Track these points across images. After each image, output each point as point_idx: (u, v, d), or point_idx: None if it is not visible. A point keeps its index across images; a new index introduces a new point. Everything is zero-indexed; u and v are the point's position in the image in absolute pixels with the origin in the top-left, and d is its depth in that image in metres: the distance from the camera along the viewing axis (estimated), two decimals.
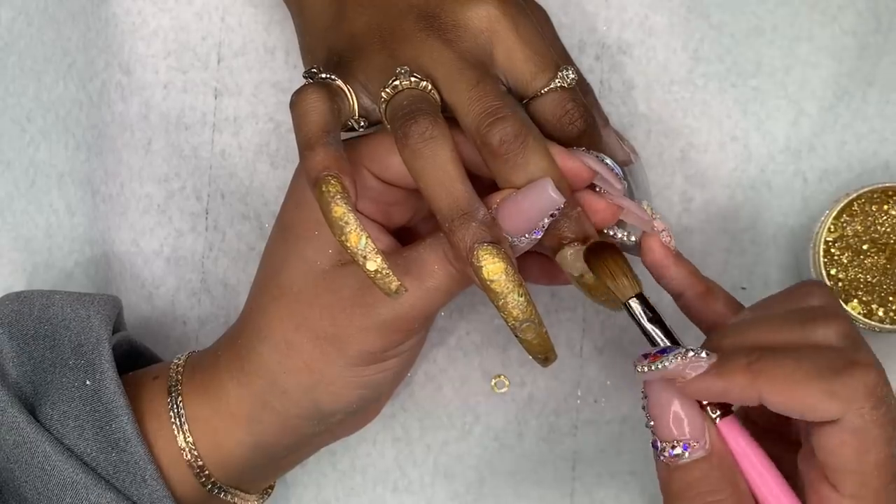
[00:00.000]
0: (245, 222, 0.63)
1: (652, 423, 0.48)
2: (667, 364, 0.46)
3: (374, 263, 0.46)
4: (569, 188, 0.49)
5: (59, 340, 0.54)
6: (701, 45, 0.61)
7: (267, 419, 0.53)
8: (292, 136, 0.62)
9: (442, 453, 0.62)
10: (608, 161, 0.51)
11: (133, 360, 0.58)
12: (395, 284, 0.46)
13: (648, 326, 0.48)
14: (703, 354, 0.46)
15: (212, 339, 0.63)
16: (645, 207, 0.52)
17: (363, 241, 0.46)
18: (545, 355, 0.49)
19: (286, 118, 0.62)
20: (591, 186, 0.51)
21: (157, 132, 0.63)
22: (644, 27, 0.61)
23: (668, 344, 0.48)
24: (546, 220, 0.48)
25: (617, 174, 0.51)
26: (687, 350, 0.46)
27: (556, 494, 0.62)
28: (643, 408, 0.48)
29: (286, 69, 0.62)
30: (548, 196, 0.48)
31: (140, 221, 0.63)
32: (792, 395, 0.45)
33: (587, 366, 0.62)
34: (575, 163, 0.50)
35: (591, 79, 0.61)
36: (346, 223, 0.46)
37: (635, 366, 0.47)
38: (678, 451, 0.47)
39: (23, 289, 0.60)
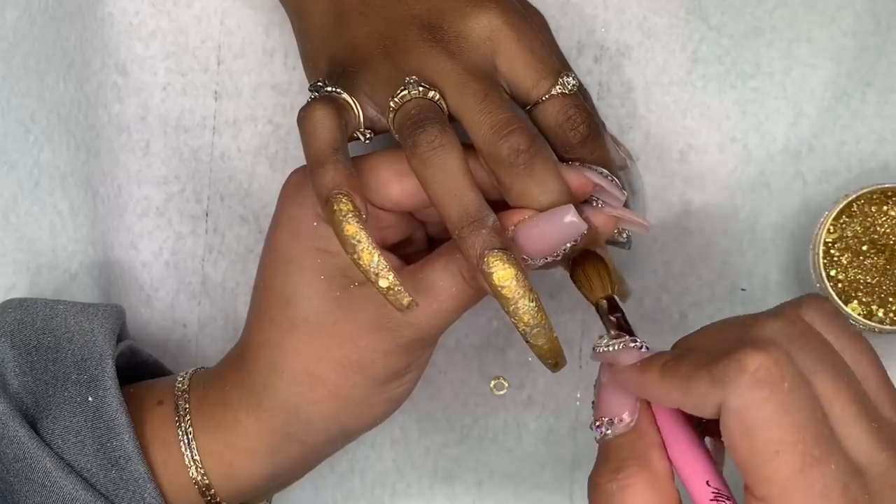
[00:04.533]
0: (244, 225, 0.63)
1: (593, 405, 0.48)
2: (613, 348, 0.47)
3: (386, 281, 0.47)
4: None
5: (61, 353, 0.53)
6: (700, 46, 0.61)
7: (288, 449, 0.53)
8: (291, 139, 0.62)
9: (441, 455, 0.62)
10: (606, 173, 0.52)
11: (136, 369, 0.58)
12: (406, 300, 0.47)
13: (610, 319, 0.49)
14: (638, 346, 0.47)
15: (212, 341, 0.63)
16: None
17: (375, 258, 0.47)
18: (555, 360, 0.49)
19: (285, 121, 0.62)
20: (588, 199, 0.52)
21: (155, 134, 0.63)
22: (643, 29, 0.61)
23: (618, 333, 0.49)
24: (567, 246, 0.49)
25: (617, 184, 0.52)
26: (626, 339, 0.47)
27: (556, 497, 0.62)
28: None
29: (285, 71, 0.62)
30: (570, 223, 0.49)
31: (138, 224, 0.63)
32: (684, 392, 0.44)
33: (586, 367, 0.62)
34: (579, 177, 0.50)
35: (590, 81, 0.61)
36: (359, 241, 0.47)
37: (594, 346, 0.49)
38: (603, 427, 0.47)
39: (27, 290, 0.60)
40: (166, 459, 0.53)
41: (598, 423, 0.47)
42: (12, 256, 0.60)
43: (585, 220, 0.50)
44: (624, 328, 0.49)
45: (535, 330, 0.48)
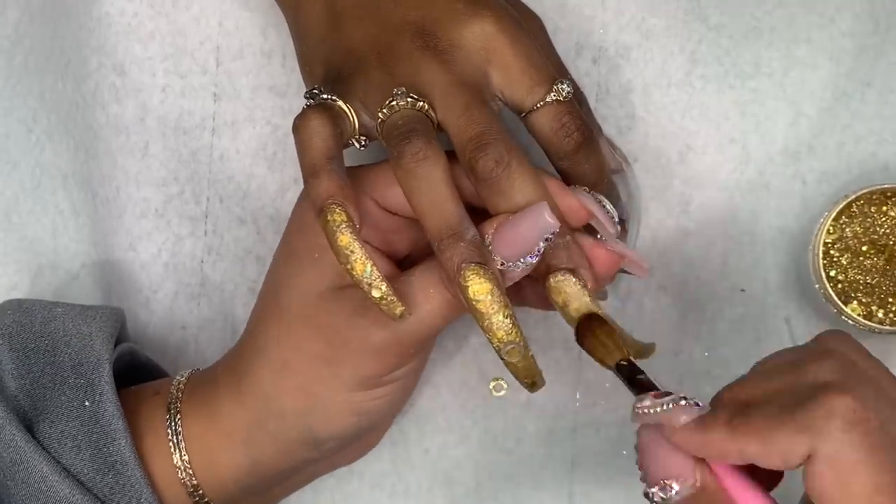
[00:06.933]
0: (243, 226, 0.63)
1: (642, 470, 0.46)
2: (663, 407, 0.45)
3: (378, 291, 0.47)
4: (561, 215, 0.50)
5: (59, 356, 0.54)
6: (699, 47, 0.61)
7: (262, 441, 0.53)
8: (289, 140, 0.62)
9: (440, 457, 0.62)
10: (607, 206, 0.51)
11: (135, 372, 0.58)
12: (399, 309, 0.48)
13: (633, 381, 0.48)
14: (693, 402, 0.45)
15: (210, 343, 0.63)
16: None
17: (368, 268, 0.47)
18: (531, 380, 0.49)
19: (283, 122, 0.62)
20: (588, 228, 0.52)
21: (154, 136, 0.63)
22: (641, 30, 0.61)
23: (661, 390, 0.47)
24: (541, 245, 0.48)
25: (612, 219, 0.51)
26: (681, 397, 0.46)
27: (555, 498, 0.61)
28: (636, 463, 0.47)
29: (284, 73, 0.62)
30: (543, 220, 0.48)
31: (137, 225, 0.63)
32: (767, 445, 0.43)
33: (586, 368, 0.61)
34: (571, 200, 0.50)
35: (589, 82, 0.61)
36: (352, 252, 0.47)
37: (634, 408, 0.46)
38: (666, 492, 0.45)
39: (28, 290, 0.60)
40: (154, 447, 0.53)
41: (657, 487, 0.45)
42: (14, 256, 0.60)
43: (588, 252, 0.50)
44: (649, 387, 0.47)
45: (509, 347, 0.48)
